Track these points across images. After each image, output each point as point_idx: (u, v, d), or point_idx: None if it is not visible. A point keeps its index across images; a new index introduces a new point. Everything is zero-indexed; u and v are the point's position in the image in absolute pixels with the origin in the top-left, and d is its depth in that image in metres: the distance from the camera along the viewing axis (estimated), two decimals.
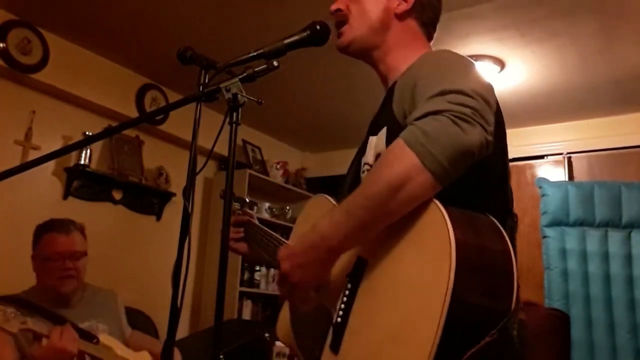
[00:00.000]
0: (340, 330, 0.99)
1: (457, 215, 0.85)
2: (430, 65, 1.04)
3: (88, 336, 1.87)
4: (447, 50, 1.07)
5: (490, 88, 0.97)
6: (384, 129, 1.08)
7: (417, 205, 0.88)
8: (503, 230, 0.87)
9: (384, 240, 0.94)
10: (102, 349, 1.88)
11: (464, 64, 1.02)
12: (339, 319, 1.00)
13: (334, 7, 1.24)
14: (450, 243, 0.79)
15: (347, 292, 1.01)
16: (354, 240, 0.96)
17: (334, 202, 1.20)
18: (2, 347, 1.78)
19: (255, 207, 4.37)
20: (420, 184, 0.85)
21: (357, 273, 1.00)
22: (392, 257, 0.93)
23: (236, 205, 1.59)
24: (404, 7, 1.20)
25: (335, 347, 0.99)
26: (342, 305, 1.01)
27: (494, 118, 0.90)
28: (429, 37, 1.25)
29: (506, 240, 0.85)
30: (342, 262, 1.02)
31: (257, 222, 1.46)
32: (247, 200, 1.62)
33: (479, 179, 0.97)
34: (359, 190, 0.92)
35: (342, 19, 1.22)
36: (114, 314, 2.20)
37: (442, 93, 0.89)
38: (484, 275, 0.81)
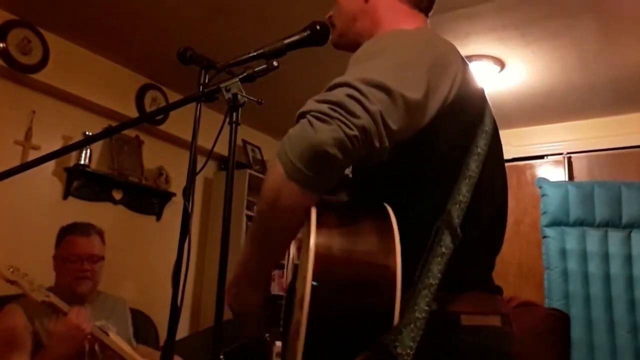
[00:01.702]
0: (285, 340, 0.98)
1: (332, 225, 0.80)
2: (354, 55, 0.94)
3: (100, 330, 2.00)
4: (389, 32, 0.99)
5: (414, 74, 0.86)
6: None
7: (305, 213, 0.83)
8: (395, 239, 0.79)
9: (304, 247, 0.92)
10: (111, 341, 2.00)
11: (389, 45, 0.92)
12: (281, 329, 0.99)
13: (327, 15, 1.23)
14: (310, 261, 0.75)
15: (284, 301, 1.00)
16: (266, 259, 0.91)
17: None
18: (13, 317, 1.93)
19: (254, 207, 4.37)
20: (288, 196, 0.80)
21: (294, 281, 0.98)
22: (300, 267, 0.91)
23: None
24: None
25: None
26: (282, 315, 1.00)
27: (388, 107, 0.80)
28: (421, 9, 1.13)
29: (394, 251, 0.78)
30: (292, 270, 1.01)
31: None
32: None
33: (412, 174, 0.91)
34: None
35: (333, 23, 1.22)
36: (123, 319, 2.30)
37: (324, 90, 0.83)
38: (352, 293, 0.76)
